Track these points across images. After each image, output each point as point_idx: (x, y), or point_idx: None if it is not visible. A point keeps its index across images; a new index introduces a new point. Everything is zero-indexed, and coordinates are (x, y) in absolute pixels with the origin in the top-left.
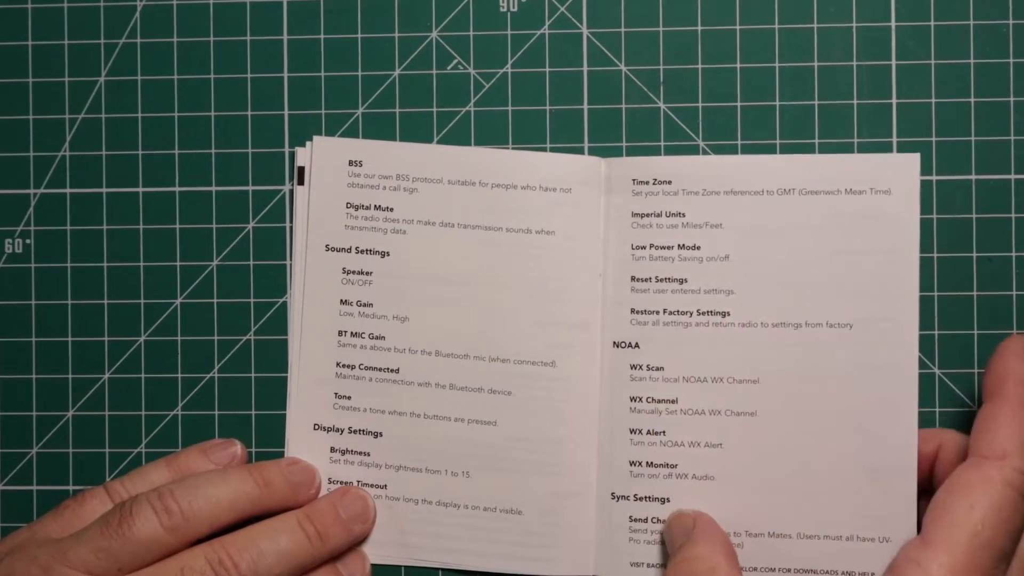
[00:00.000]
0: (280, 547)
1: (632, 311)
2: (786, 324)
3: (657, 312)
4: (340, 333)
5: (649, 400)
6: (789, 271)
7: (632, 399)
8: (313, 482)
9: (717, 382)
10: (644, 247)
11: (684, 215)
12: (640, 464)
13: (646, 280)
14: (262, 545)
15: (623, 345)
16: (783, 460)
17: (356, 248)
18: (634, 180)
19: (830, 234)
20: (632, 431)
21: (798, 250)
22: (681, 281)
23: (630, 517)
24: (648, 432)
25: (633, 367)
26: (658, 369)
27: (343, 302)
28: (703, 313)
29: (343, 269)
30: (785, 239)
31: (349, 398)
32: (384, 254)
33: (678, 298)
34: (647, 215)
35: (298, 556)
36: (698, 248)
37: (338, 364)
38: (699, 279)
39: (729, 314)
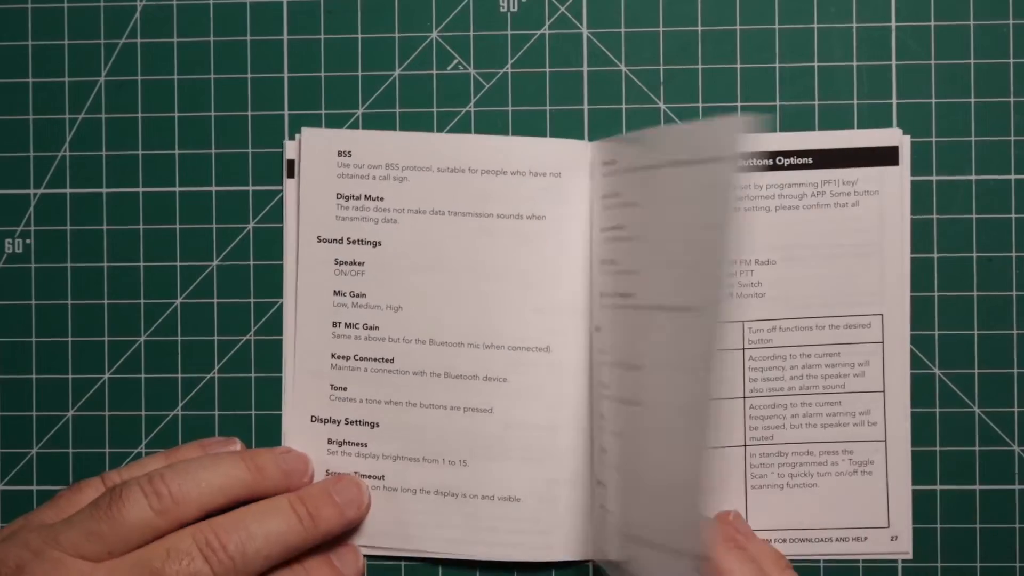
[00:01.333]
0: (270, 528)
1: (601, 295)
2: (665, 307)
3: (608, 295)
4: (334, 324)
5: (603, 386)
6: (683, 250)
7: (599, 384)
8: (306, 470)
9: (634, 370)
10: (605, 229)
11: (619, 195)
12: (605, 451)
13: (604, 263)
14: (251, 526)
15: (597, 329)
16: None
17: (348, 239)
18: (603, 163)
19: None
20: (601, 416)
21: (688, 227)
22: (612, 262)
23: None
24: (603, 417)
25: (599, 351)
26: (606, 353)
27: (336, 293)
28: (620, 295)
29: (335, 260)
30: (679, 215)
31: (345, 389)
32: (376, 244)
33: (610, 279)
34: (607, 196)
35: (289, 538)
36: (621, 228)
37: (333, 355)
38: (621, 259)
39: (633, 295)
